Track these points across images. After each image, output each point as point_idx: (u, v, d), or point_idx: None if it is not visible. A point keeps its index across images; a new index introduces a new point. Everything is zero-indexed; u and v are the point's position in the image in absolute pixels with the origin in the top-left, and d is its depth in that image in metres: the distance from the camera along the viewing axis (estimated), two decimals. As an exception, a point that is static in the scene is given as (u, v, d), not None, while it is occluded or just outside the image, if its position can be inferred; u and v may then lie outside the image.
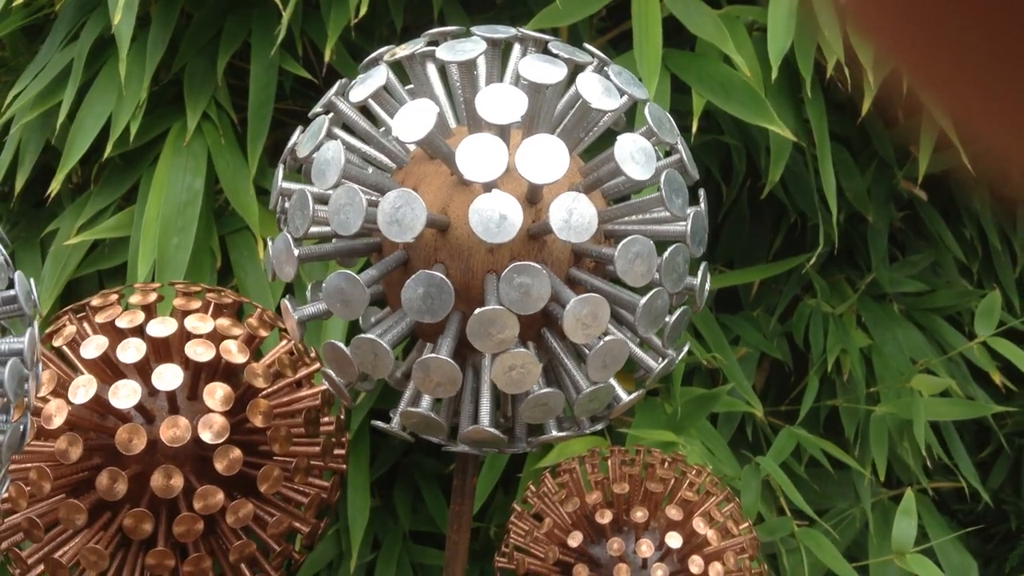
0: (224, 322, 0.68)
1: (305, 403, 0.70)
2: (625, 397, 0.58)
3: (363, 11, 0.81)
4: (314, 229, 0.55)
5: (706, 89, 0.92)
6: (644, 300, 0.52)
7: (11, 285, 0.44)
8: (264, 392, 0.68)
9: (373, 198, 0.53)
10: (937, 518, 1.30)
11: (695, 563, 0.82)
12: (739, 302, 1.34)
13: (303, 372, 0.72)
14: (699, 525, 0.84)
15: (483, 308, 0.50)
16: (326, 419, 0.72)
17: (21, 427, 0.44)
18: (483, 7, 1.12)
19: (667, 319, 0.56)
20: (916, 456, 1.26)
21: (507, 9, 1.13)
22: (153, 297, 0.69)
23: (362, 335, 0.53)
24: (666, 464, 0.89)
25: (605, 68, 0.57)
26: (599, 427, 0.60)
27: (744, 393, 1.18)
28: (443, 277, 0.50)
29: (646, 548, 0.83)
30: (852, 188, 1.25)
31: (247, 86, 1.00)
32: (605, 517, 0.84)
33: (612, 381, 0.56)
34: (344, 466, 0.74)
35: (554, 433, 0.58)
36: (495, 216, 0.49)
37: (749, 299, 1.33)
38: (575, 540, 0.84)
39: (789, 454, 1.20)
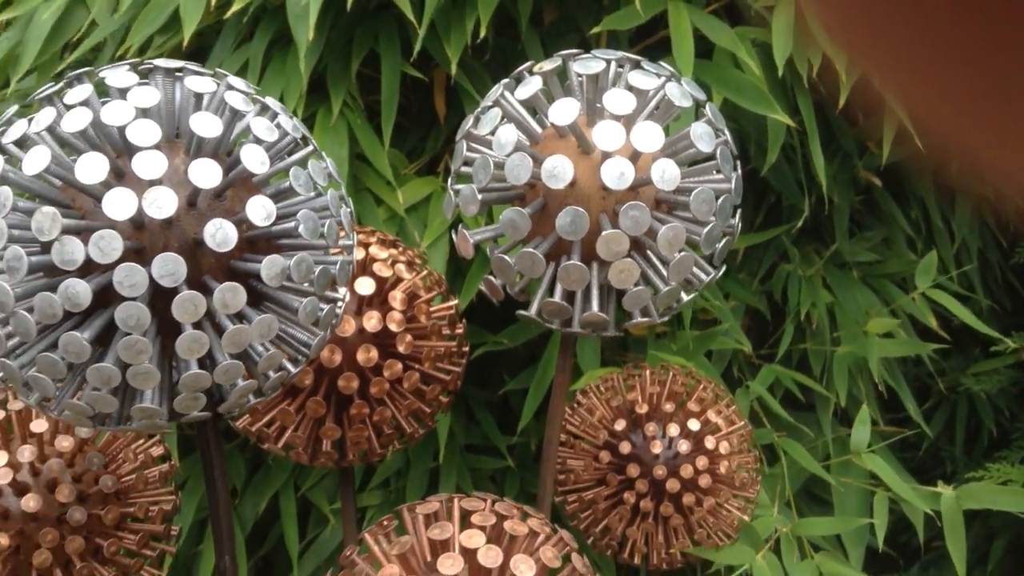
0: (393, 250, 0.97)
1: (446, 311, 0.99)
2: (685, 298, 0.88)
3: (483, 32, 1.09)
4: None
5: (722, 88, 1.22)
6: (707, 229, 0.82)
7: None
8: (422, 299, 0.96)
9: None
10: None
11: (710, 441, 1.11)
12: (728, 266, 1.63)
13: (441, 290, 1.01)
14: (712, 415, 1.13)
15: (608, 231, 0.79)
16: (458, 324, 1.01)
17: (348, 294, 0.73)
18: (540, 22, 1.41)
19: (717, 245, 0.85)
20: (870, 400, 1.56)
21: (555, 27, 1.42)
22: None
23: (525, 248, 0.81)
24: (684, 375, 1.19)
25: (675, 79, 0.87)
26: (666, 318, 0.89)
27: (735, 333, 1.48)
28: (583, 210, 0.79)
29: (674, 430, 1.11)
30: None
31: (365, 83, 1.28)
32: (643, 409, 1.13)
33: (678, 285, 0.85)
34: (464, 360, 1.02)
35: (638, 319, 0.87)
36: (617, 172, 0.79)
37: (736, 264, 1.63)
38: (620, 425, 1.13)
39: (767, 389, 1.50)
